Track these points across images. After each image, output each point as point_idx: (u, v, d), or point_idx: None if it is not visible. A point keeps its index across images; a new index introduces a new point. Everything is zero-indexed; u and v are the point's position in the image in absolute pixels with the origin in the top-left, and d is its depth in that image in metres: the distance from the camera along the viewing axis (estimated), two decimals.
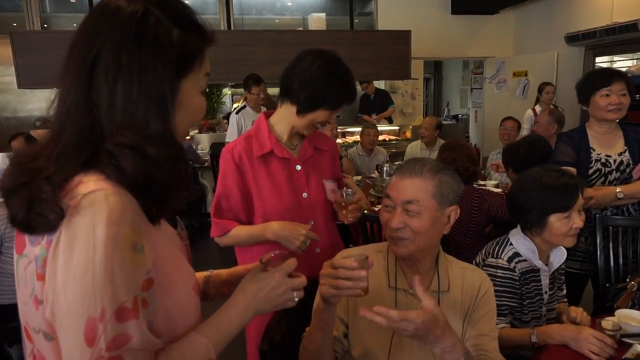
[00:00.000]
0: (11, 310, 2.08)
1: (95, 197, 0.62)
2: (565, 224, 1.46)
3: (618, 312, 1.46)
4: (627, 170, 2.07)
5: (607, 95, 2.01)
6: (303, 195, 1.51)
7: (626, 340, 1.33)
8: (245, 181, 1.47)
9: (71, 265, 0.61)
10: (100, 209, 0.62)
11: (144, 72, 0.67)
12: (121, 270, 0.62)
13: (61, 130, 0.68)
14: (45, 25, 5.85)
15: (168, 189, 0.70)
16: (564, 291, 1.69)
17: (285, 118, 1.49)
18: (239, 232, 1.47)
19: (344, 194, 1.50)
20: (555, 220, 1.46)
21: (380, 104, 6.04)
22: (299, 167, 1.52)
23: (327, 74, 1.39)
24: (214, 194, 1.52)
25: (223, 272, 1.02)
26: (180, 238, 0.85)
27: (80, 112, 0.67)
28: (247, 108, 4.28)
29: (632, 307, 1.58)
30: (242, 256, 1.58)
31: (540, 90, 4.90)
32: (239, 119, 4.21)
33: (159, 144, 0.68)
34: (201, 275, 1.00)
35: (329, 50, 1.45)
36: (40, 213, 0.63)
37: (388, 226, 1.15)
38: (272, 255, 0.89)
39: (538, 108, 4.78)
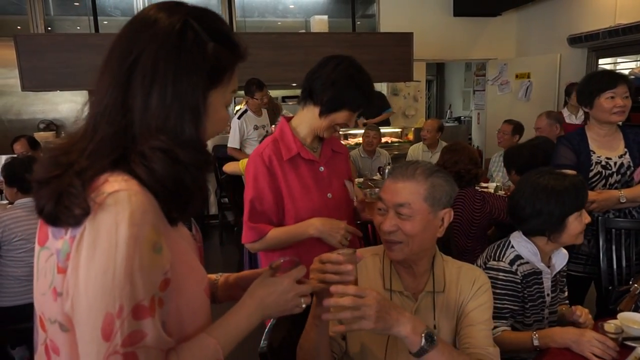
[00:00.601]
0: (14, 313, 2.11)
1: (119, 196, 0.65)
2: (580, 222, 1.48)
3: (621, 315, 1.46)
4: (628, 172, 2.07)
5: (612, 97, 2.00)
6: (328, 196, 1.57)
7: (628, 343, 1.33)
8: (276, 183, 1.51)
9: (93, 262, 0.63)
10: (123, 208, 0.64)
11: (178, 79, 0.70)
12: (141, 270, 0.65)
13: (95, 128, 0.71)
14: (49, 28, 5.88)
15: (193, 193, 0.73)
16: (566, 293, 1.68)
17: (307, 121, 1.54)
18: (278, 233, 1.51)
19: (370, 193, 1.57)
20: (572, 220, 1.48)
21: (377, 107, 6.05)
22: (322, 169, 1.58)
23: (349, 77, 1.46)
24: (246, 199, 1.54)
25: (232, 275, 1.04)
26: (194, 240, 0.86)
27: (116, 113, 0.70)
28: (249, 112, 4.26)
29: (635, 310, 1.57)
30: (270, 260, 1.59)
31: (568, 92, 4.45)
32: (241, 124, 4.20)
33: (190, 149, 0.71)
34: (210, 277, 1.01)
35: (350, 56, 1.52)
36: (68, 207, 0.65)
37: (381, 229, 1.15)
38: (282, 261, 0.90)
39: (566, 112, 4.36)
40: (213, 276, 1.02)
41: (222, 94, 0.77)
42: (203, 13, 0.75)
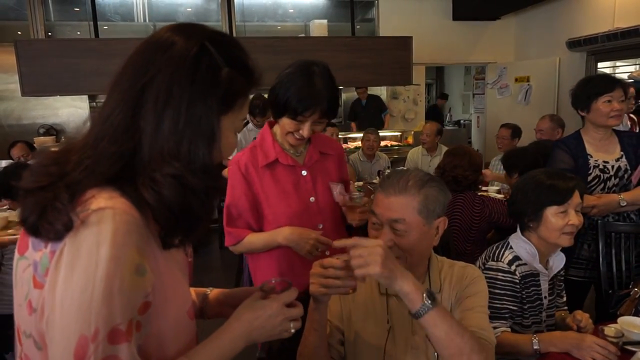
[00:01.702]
0: (12, 320, 2.09)
1: (103, 215, 0.63)
2: (561, 219, 1.47)
3: (621, 319, 1.45)
4: (626, 176, 2.07)
5: (609, 101, 2.00)
6: (310, 200, 1.54)
7: (629, 347, 1.32)
8: (252, 190, 1.51)
9: (71, 281, 0.61)
10: (106, 228, 0.62)
11: (192, 105, 0.69)
12: (120, 292, 0.62)
13: (96, 143, 0.69)
14: (50, 34, 5.90)
15: (199, 219, 0.72)
16: (564, 298, 1.68)
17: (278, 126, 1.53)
18: (252, 239, 1.52)
19: (352, 196, 1.51)
20: (551, 215, 1.47)
21: (373, 108, 6.08)
22: (304, 173, 1.55)
23: (289, 82, 1.40)
24: (224, 205, 1.55)
25: (222, 292, 1.01)
26: (185, 254, 0.84)
27: (122, 133, 0.68)
28: (250, 125, 4.14)
29: (635, 314, 1.57)
30: (255, 264, 1.61)
31: None
32: (241, 136, 4.05)
33: (202, 175, 0.70)
34: (200, 291, 1.00)
35: (316, 61, 1.44)
36: (50, 222, 0.63)
37: None
38: (274, 282, 0.87)
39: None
40: (204, 290, 1.01)
41: (233, 120, 0.76)
42: (220, 37, 0.74)
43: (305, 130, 1.43)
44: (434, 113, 7.74)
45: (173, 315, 0.74)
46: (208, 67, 0.71)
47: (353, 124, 6.17)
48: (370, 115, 6.06)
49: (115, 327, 0.62)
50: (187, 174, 0.68)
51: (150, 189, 0.67)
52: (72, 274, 0.61)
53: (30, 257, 0.69)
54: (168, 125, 0.68)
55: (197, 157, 0.70)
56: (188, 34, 0.72)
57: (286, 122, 1.43)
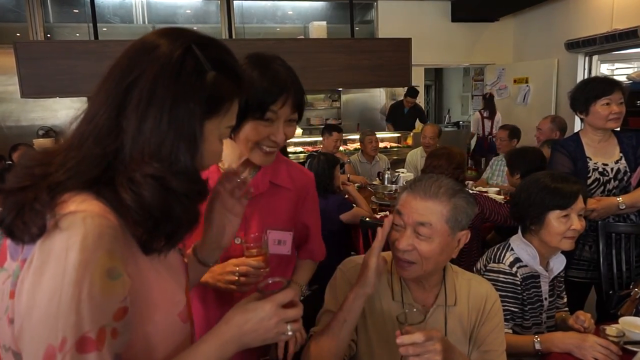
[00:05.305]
0: None
1: (73, 219, 0.61)
2: (563, 223, 1.47)
3: (622, 319, 1.46)
4: (625, 178, 2.06)
5: (608, 104, 2.00)
6: (236, 241, 1.15)
7: (629, 347, 1.33)
8: None
9: (39, 288, 0.59)
10: (75, 232, 0.60)
11: (175, 106, 0.68)
12: (89, 298, 0.59)
13: (81, 144, 0.68)
14: (49, 35, 5.90)
15: (181, 224, 0.70)
16: (565, 299, 1.69)
17: (233, 143, 1.13)
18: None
19: (248, 245, 1.12)
20: (554, 219, 1.47)
21: (412, 116, 6.17)
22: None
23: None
24: None
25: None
26: (182, 256, 0.82)
27: (106, 134, 0.67)
28: None
29: (636, 314, 1.57)
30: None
31: None
32: None
33: (184, 178, 0.68)
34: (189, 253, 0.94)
35: (266, 53, 1.18)
36: (26, 222, 0.61)
37: (395, 247, 1.10)
38: (270, 282, 0.82)
39: None
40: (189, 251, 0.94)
41: (217, 125, 0.73)
42: (207, 41, 0.73)
43: (279, 133, 1.08)
44: None
45: (161, 320, 0.71)
46: (193, 70, 0.69)
47: (390, 126, 6.32)
48: (409, 122, 6.16)
49: (84, 335, 0.59)
50: (168, 176, 0.67)
51: (128, 189, 0.65)
52: (40, 281, 0.59)
53: (9, 268, 0.66)
54: (150, 125, 0.67)
55: (179, 160, 0.68)
56: (174, 36, 0.71)
57: (251, 129, 1.07)
